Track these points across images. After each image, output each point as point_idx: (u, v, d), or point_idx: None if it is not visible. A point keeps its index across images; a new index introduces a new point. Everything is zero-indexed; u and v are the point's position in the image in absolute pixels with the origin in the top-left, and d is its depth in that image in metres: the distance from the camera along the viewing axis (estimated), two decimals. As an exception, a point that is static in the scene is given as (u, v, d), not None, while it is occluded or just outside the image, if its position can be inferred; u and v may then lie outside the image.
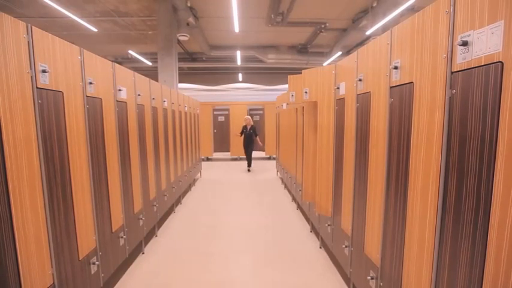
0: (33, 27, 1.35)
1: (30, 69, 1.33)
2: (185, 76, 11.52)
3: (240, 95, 12.70)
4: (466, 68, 0.97)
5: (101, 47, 9.55)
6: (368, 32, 7.13)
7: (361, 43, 9.05)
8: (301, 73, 2.73)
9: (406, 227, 1.32)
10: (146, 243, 2.95)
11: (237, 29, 7.18)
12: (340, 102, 2.23)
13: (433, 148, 1.13)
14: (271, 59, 10.22)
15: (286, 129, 4.73)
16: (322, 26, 7.79)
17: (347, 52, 9.86)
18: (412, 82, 1.28)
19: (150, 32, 8.08)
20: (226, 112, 8.95)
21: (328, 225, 2.50)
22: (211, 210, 4.20)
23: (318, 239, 2.97)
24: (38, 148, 1.38)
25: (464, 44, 0.95)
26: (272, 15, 6.85)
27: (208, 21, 7.56)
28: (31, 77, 1.34)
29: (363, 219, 1.80)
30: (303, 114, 3.24)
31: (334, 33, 8.53)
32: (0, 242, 1.15)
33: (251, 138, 7.33)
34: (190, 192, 5.27)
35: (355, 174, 1.94)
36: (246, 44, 9.61)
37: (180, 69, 7.41)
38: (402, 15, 5.98)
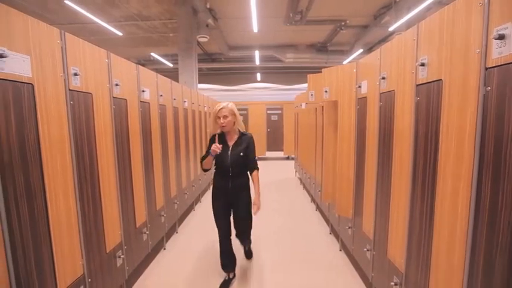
0: (65, 33, 1.44)
1: (64, 72, 1.42)
2: (204, 77, 11.72)
3: (258, 94, 12.74)
4: (502, 63, 0.91)
5: (125, 50, 9.95)
6: (391, 28, 6.87)
7: (384, 40, 8.75)
8: (320, 72, 2.69)
9: (434, 231, 1.26)
10: (167, 240, 3.04)
11: (255, 29, 7.20)
12: (362, 101, 2.17)
13: (464, 149, 1.07)
14: (290, 58, 10.14)
15: (305, 129, 4.67)
16: (342, 23, 7.61)
17: (368, 49, 9.56)
18: (440, 79, 1.22)
19: (171, 34, 8.31)
20: (245, 112, 9.00)
21: (349, 227, 2.44)
22: (229, 209, 4.24)
23: (338, 241, 2.91)
24: (70, 147, 1.47)
25: (501, 37, 0.89)
26: (291, 14, 6.79)
27: (227, 22, 7.64)
28: (64, 79, 1.42)
29: (385, 222, 1.74)
30: (323, 113, 3.19)
31: (355, 31, 8.30)
32: (38, 234, 1.23)
33: (242, 174, 2.17)
34: (210, 190, 5.36)
35: (378, 174, 1.88)
36: (264, 44, 9.60)
37: (199, 70, 7.55)
38: (429, 10, 5.70)
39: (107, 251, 1.81)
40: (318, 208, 4.00)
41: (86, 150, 1.61)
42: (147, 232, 2.42)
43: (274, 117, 9.14)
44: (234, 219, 2.24)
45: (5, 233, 1.06)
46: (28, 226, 1.18)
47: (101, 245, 1.74)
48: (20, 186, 1.14)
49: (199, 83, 7.68)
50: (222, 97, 9.55)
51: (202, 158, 2.15)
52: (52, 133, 1.33)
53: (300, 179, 5.69)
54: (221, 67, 11.66)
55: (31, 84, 1.21)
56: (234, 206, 2.19)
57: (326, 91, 2.56)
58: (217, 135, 2.08)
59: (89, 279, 1.59)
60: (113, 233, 1.89)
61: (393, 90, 1.66)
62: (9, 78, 1.10)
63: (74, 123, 1.49)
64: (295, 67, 11.80)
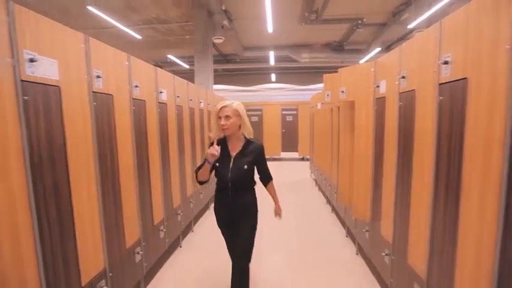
0: (89, 37, 1.50)
1: (87, 75, 1.48)
2: (220, 77, 11.84)
3: (273, 95, 12.72)
4: (535, 60, 0.85)
5: (143, 53, 10.24)
6: (410, 26, 6.64)
7: (403, 38, 8.47)
8: (336, 72, 2.65)
9: (459, 237, 1.20)
10: (183, 238, 3.10)
11: (270, 29, 7.19)
12: (380, 101, 2.11)
13: (492, 152, 1.02)
14: (305, 58, 10.04)
15: (321, 130, 4.61)
16: (359, 21, 7.44)
17: (386, 48, 9.30)
18: (465, 78, 1.16)
19: (187, 37, 8.45)
20: (260, 112, 9.02)
21: (366, 230, 2.38)
22: (244, 209, 4.26)
23: (355, 245, 2.84)
24: (93, 147, 1.53)
25: (534, 33, 0.84)
26: (306, 14, 6.72)
27: (242, 23, 7.68)
28: (88, 82, 1.48)
29: (405, 226, 1.69)
30: (339, 114, 3.14)
31: (372, 29, 8.09)
32: (64, 229, 1.29)
33: (246, 190, 1.79)
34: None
35: (397, 177, 1.82)
36: (279, 44, 9.57)
37: (214, 71, 7.64)
38: (451, 5, 5.46)
39: (127, 247, 1.87)
40: (334, 210, 3.93)
41: (107, 150, 1.67)
42: (164, 230, 2.48)
43: (289, 118, 9.09)
44: (238, 236, 1.78)
45: (35, 228, 1.12)
46: (55, 222, 1.24)
47: (120, 241, 1.80)
48: (48, 184, 1.20)
49: (215, 83, 7.76)
50: (237, 98, 9.54)
51: (198, 169, 1.75)
52: (77, 134, 1.39)
53: (315, 180, 5.62)
54: (236, 68, 11.74)
55: (58, 86, 1.27)
56: (235, 225, 1.78)
57: (343, 91, 2.52)
58: (215, 141, 1.67)
59: (110, 274, 1.65)
60: (132, 230, 1.95)
61: (414, 89, 1.61)
62: (38, 81, 1.16)
63: (97, 124, 1.55)
64: (310, 67, 11.67)
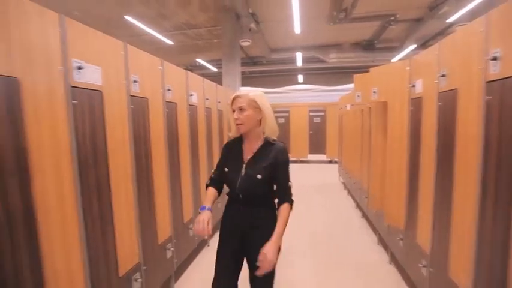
0: (127, 44, 1.60)
1: (126, 80, 1.58)
2: (247, 80, 11.98)
3: (300, 96, 12.57)
4: None
5: (174, 57, 10.70)
6: (450, 20, 6.19)
7: (441, 33, 7.92)
8: (366, 71, 2.56)
9: (511, 248, 1.09)
10: (211, 237, 3.17)
11: (297, 30, 7.13)
12: (416, 102, 1.99)
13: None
14: (333, 59, 9.79)
15: (351, 132, 4.46)
16: (392, 18, 7.08)
17: (422, 45, 8.75)
18: (519, 74, 1.06)
19: (215, 41, 8.68)
20: (287, 114, 8.97)
21: (400, 238, 2.25)
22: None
23: (387, 253, 2.70)
24: (130, 148, 1.62)
25: None
26: (334, 13, 6.56)
27: (269, 25, 7.70)
28: (126, 86, 1.58)
29: (446, 235, 1.56)
30: (370, 115, 3.01)
31: (406, 25, 7.66)
32: (105, 225, 1.39)
33: (262, 204, 1.36)
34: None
35: (436, 181, 1.70)
36: (306, 45, 9.45)
37: (242, 73, 7.74)
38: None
39: (159, 243, 1.96)
40: (364, 215, 3.77)
41: (142, 151, 1.76)
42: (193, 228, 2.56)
43: (316, 120, 8.91)
44: (249, 270, 1.42)
45: (81, 222, 1.22)
46: (97, 217, 1.33)
47: (154, 237, 1.89)
48: (92, 183, 1.30)
49: (242, 86, 7.87)
50: (263, 99, 9.59)
51: (209, 180, 1.45)
52: (116, 135, 1.49)
53: (344, 184, 5.45)
54: (263, 70, 11.79)
55: (100, 91, 1.37)
56: (246, 252, 1.39)
57: (374, 91, 2.42)
58: (227, 144, 1.43)
59: (144, 267, 1.73)
60: (164, 227, 2.03)
61: (455, 88, 1.49)
62: (84, 87, 1.27)
63: (133, 126, 1.65)
64: (338, 67, 11.36)
